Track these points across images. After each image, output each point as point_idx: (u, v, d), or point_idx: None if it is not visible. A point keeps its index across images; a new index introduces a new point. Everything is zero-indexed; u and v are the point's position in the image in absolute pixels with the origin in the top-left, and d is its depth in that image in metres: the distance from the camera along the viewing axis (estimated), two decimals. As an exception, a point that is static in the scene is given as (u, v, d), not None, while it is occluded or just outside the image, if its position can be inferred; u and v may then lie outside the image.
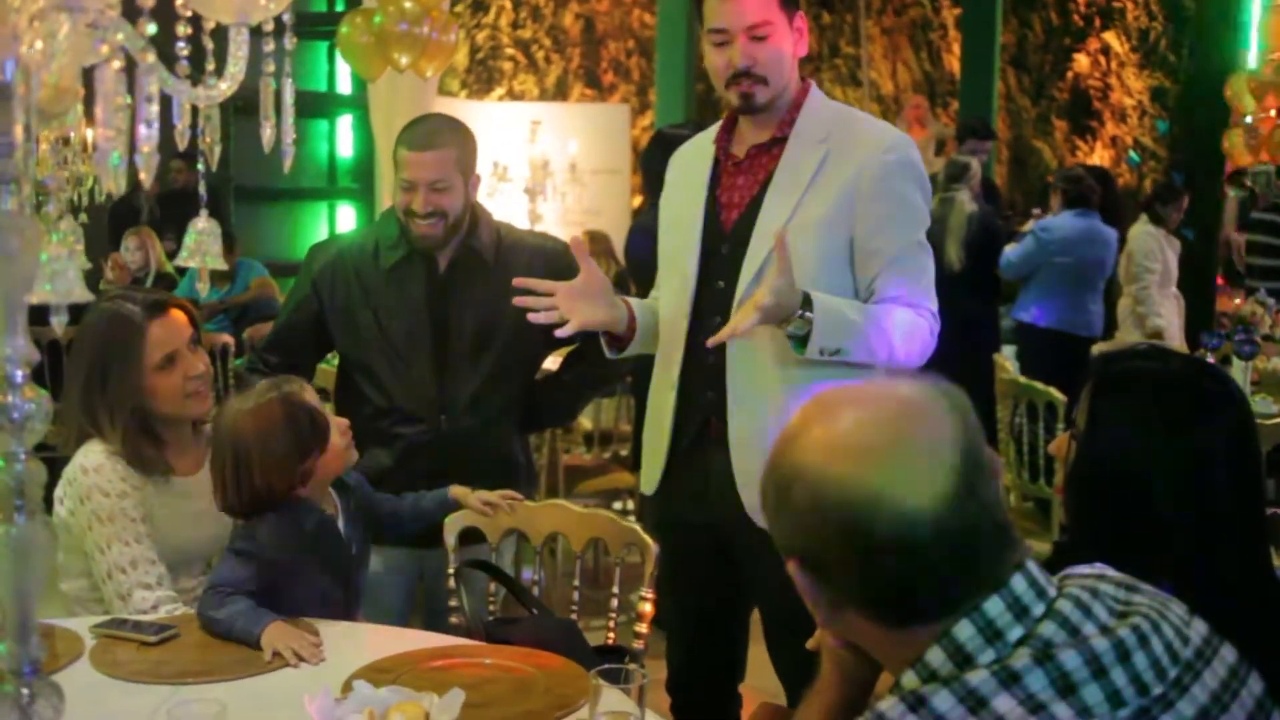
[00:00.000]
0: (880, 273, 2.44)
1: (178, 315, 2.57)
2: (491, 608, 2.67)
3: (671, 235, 2.66)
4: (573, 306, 2.47)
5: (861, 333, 2.38)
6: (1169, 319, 6.40)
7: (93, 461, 2.46)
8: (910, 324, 2.43)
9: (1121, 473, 1.65)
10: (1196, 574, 1.55)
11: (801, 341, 2.34)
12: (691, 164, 2.66)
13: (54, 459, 2.49)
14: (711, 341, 2.34)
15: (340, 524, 2.46)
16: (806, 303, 2.31)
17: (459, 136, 2.85)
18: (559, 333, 2.49)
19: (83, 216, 3.35)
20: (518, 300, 2.50)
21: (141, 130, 1.15)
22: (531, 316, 2.48)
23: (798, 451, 1.25)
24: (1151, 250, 6.38)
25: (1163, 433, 1.64)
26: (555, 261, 2.93)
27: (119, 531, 2.41)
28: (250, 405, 2.35)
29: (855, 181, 2.44)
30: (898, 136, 2.55)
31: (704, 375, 2.53)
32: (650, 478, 2.67)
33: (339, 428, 2.41)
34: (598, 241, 7.80)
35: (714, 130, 2.64)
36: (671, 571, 2.47)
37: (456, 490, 2.69)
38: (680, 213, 2.63)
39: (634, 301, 2.65)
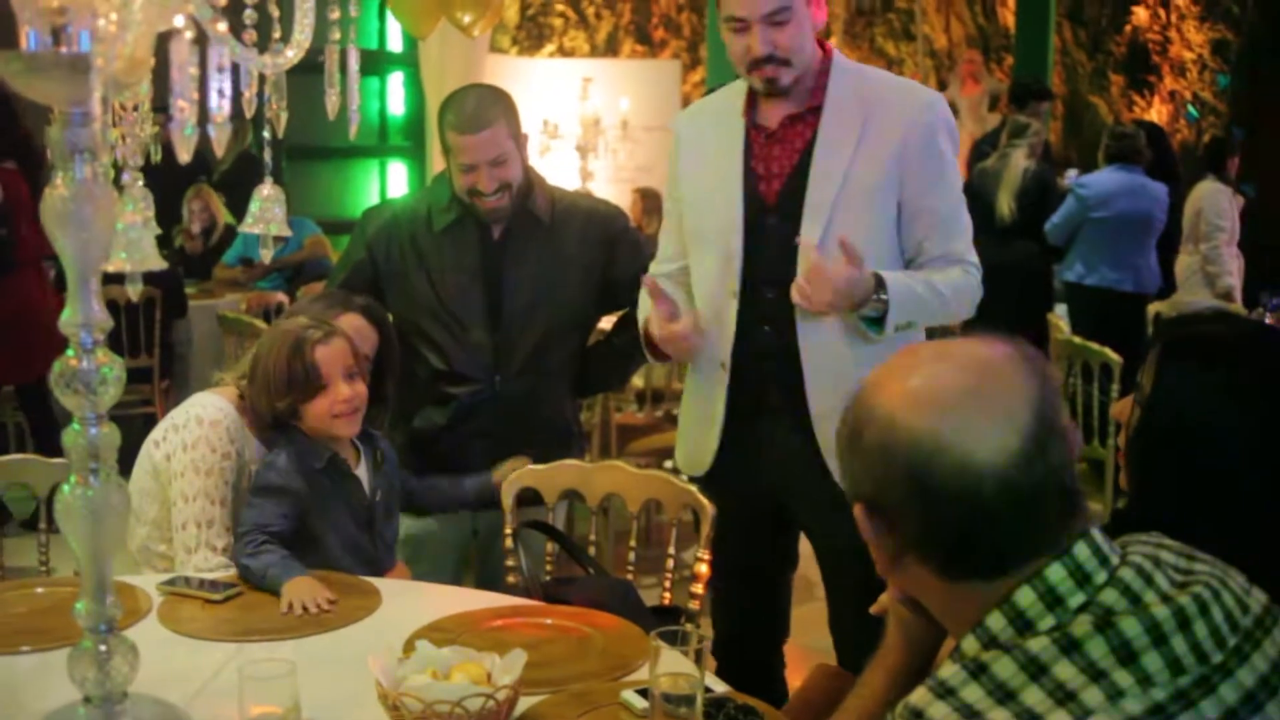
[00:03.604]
0: (929, 232, 2.50)
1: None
2: (548, 568, 2.70)
3: (705, 211, 2.59)
4: (700, 345, 2.53)
5: (927, 304, 2.45)
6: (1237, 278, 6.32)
7: (210, 415, 2.48)
8: (961, 281, 2.50)
9: (1187, 438, 1.64)
10: (1260, 540, 1.55)
11: (875, 321, 2.39)
12: (715, 136, 2.61)
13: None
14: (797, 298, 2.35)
15: (362, 471, 2.50)
16: (879, 284, 2.35)
17: (502, 106, 2.83)
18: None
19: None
20: None
21: (214, 100, 1.16)
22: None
23: (874, 397, 1.29)
24: (1223, 208, 6.27)
25: (1229, 399, 1.63)
26: (608, 226, 2.95)
27: (210, 488, 2.43)
28: (288, 321, 2.49)
29: (902, 145, 2.45)
30: (931, 94, 2.57)
31: (760, 350, 2.52)
32: (700, 459, 2.65)
33: (338, 396, 2.41)
34: (649, 199, 7.78)
35: (734, 101, 2.60)
36: (720, 534, 2.49)
37: None
38: (712, 187, 2.57)
39: (672, 296, 2.60)
